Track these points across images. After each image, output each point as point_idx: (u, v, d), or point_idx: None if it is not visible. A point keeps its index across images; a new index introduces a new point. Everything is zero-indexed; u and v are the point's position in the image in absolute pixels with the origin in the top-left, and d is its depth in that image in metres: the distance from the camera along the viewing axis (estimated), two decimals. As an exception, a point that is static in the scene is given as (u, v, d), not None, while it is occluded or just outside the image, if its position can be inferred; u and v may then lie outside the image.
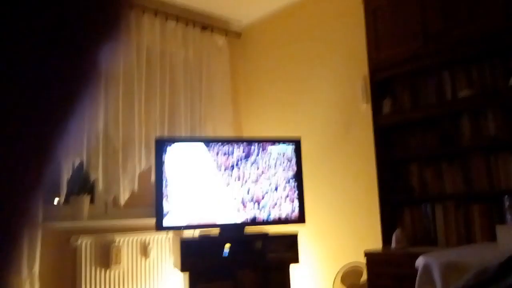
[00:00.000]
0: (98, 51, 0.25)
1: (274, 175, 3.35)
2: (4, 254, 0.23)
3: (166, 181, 3.12)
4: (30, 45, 0.22)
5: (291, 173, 3.38)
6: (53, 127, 0.24)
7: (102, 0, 0.25)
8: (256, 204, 3.28)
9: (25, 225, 0.24)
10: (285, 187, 3.35)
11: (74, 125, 0.25)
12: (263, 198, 3.30)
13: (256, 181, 3.31)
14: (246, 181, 3.29)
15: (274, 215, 3.30)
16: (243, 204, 3.25)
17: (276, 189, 3.33)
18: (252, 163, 3.32)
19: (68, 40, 0.23)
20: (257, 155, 3.34)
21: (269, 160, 3.35)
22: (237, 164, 3.28)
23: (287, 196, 3.35)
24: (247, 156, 3.31)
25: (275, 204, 3.31)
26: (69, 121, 0.24)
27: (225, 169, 3.26)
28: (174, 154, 3.17)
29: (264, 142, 3.39)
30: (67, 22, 0.23)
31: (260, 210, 3.28)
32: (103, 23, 0.25)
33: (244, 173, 3.29)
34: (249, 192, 3.28)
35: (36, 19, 0.22)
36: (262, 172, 3.33)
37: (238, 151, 3.30)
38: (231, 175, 3.26)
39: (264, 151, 3.36)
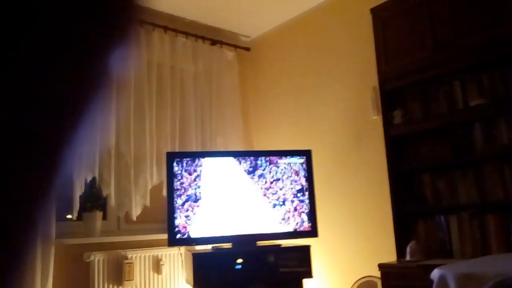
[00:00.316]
0: (107, 58, 0.25)
1: (286, 188, 3.33)
2: (8, 267, 0.23)
3: (178, 196, 3.12)
4: (38, 51, 0.22)
5: (302, 185, 3.36)
6: (61, 134, 0.24)
7: (111, 7, 0.25)
8: (268, 217, 3.26)
9: (31, 237, 0.24)
10: (296, 199, 3.33)
11: (84, 134, 0.24)
12: (274, 211, 3.28)
13: (267, 193, 3.29)
14: (257, 194, 3.27)
15: (286, 228, 3.27)
16: (255, 217, 3.24)
17: (286, 202, 3.31)
18: (263, 176, 3.31)
19: (77, 46, 0.23)
20: (268, 168, 3.33)
21: (280, 173, 3.34)
22: (248, 177, 3.28)
23: (299, 209, 3.32)
24: (257, 169, 3.31)
25: (287, 217, 3.29)
26: (78, 128, 0.24)
27: (236, 182, 3.25)
28: (186, 168, 3.18)
29: (274, 155, 3.38)
30: (75, 28, 0.23)
31: (272, 223, 3.26)
32: (113, 29, 0.25)
33: (255, 186, 3.28)
34: (261, 205, 3.26)
35: (44, 25, 0.22)
36: (274, 185, 3.31)
37: (249, 164, 3.30)
38: (243, 188, 3.25)
39: (275, 164, 3.35)
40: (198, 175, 3.19)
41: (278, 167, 3.35)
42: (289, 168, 3.37)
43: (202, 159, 3.23)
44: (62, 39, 0.23)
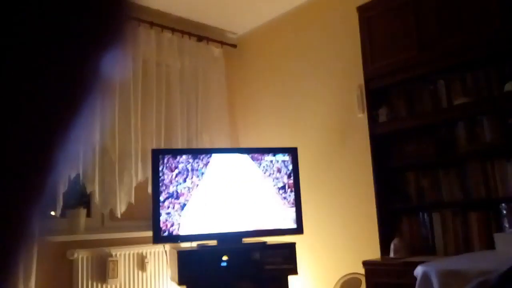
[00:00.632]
0: (99, 59, 0.25)
1: (271, 185, 3.33)
2: (3, 272, 0.23)
3: (163, 193, 3.10)
4: (30, 52, 0.22)
5: (287, 183, 3.37)
6: (52, 137, 0.23)
7: (104, 8, 0.25)
8: (253, 214, 3.26)
9: (24, 241, 0.23)
10: (282, 197, 3.34)
11: (74, 135, 0.24)
12: (260, 208, 3.28)
13: (253, 191, 3.29)
14: (242, 192, 3.27)
15: (271, 225, 3.28)
16: (240, 215, 3.24)
17: (273, 199, 3.32)
18: (249, 173, 3.30)
19: (68, 47, 0.23)
20: (254, 165, 3.33)
21: (265, 170, 3.34)
22: (234, 174, 3.27)
23: (284, 206, 3.33)
24: (243, 166, 3.30)
25: (272, 214, 3.30)
26: (69, 130, 0.24)
27: (222, 180, 3.25)
28: (171, 165, 3.16)
29: (260, 152, 3.38)
30: (67, 29, 0.23)
31: (257, 221, 3.26)
32: (105, 30, 0.25)
33: (241, 183, 3.28)
34: (246, 202, 3.26)
35: (35, 25, 0.22)
36: (259, 182, 3.31)
37: (234, 161, 3.29)
38: (228, 186, 3.25)
39: (261, 161, 3.35)
40: (182, 172, 3.18)
41: (261, 164, 3.35)
42: (278, 165, 3.37)
43: (187, 156, 3.22)
44: (54, 39, 0.23)
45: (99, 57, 0.25)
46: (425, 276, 2.02)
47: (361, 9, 3.26)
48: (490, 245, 2.48)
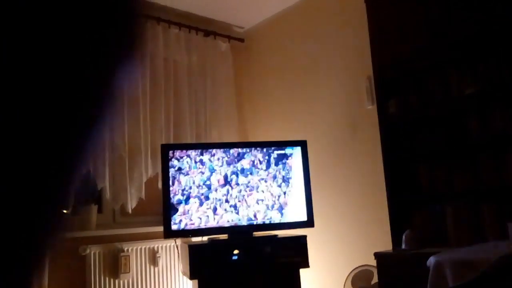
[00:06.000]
0: (121, 66, 0.25)
1: (281, 179, 3.33)
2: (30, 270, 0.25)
3: (173, 188, 3.11)
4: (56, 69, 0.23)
5: (298, 176, 3.36)
6: (81, 139, 0.25)
7: (124, 20, 0.25)
8: (264, 208, 3.26)
9: (52, 239, 0.26)
10: (292, 190, 3.33)
11: (97, 136, 0.26)
12: (271, 202, 3.28)
13: (263, 185, 3.29)
14: (253, 186, 3.27)
15: (282, 219, 3.28)
16: (251, 208, 3.24)
17: (284, 193, 3.31)
18: (259, 167, 3.30)
19: (100, 60, 0.24)
20: (264, 159, 3.32)
21: (276, 163, 3.34)
22: (244, 169, 3.27)
23: (295, 199, 3.32)
24: (253, 160, 3.30)
25: (283, 208, 3.29)
26: (95, 132, 0.25)
27: (231, 174, 3.25)
28: (180, 160, 3.17)
29: (269, 145, 3.37)
30: (99, 44, 0.23)
31: (268, 214, 3.26)
32: (126, 40, 0.26)
33: (251, 177, 3.28)
34: (257, 196, 3.26)
35: (55, 44, 0.22)
36: (269, 176, 3.31)
37: (244, 155, 3.29)
38: (238, 180, 3.25)
39: (270, 154, 3.34)
40: (193, 167, 3.18)
41: (270, 157, 3.34)
42: (288, 159, 3.36)
43: (196, 151, 3.22)
44: (75, 58, 0.23)
45: (122, 64, 0.25)
46: (438, 266, 2.01)
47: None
48: (503, 235, 2.45)
